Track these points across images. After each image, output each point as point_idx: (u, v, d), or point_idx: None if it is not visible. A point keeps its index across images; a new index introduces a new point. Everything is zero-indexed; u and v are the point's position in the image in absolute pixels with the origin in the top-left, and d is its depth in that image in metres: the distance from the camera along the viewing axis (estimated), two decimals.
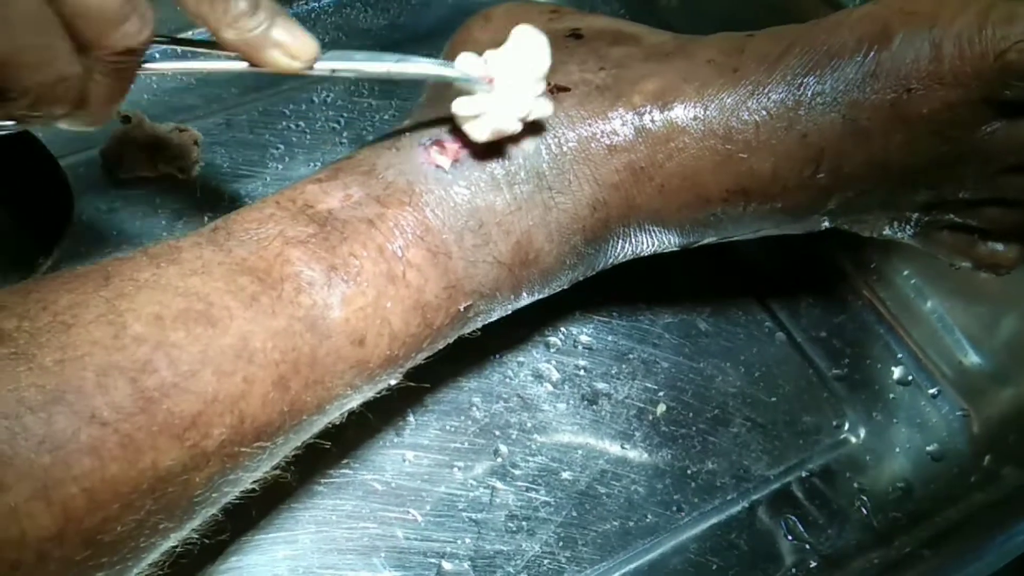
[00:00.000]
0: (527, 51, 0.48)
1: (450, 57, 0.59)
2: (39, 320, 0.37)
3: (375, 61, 0.47)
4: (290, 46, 0.44)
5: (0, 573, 0.34)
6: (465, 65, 0.48)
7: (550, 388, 0.60)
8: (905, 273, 0.66)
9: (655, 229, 0.53)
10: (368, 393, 0.47)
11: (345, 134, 0.67)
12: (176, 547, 0.42)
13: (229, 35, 0.43)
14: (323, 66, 0.46)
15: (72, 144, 0.62)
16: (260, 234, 0.44)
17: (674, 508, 0.56)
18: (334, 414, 0.46)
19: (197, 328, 0.39)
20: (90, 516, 0.35)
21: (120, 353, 0.37)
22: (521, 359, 0.61)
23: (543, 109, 0.48)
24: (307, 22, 0.72)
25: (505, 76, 0.48)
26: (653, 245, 0.55)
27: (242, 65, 0.45)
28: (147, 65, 0.43)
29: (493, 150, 0.49)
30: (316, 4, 0.73)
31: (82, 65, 0.40)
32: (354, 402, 0.47)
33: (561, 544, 0.54)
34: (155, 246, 0.43)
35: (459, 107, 0.47)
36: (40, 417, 0.35)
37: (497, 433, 0.58)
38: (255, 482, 0.44)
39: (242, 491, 0.44)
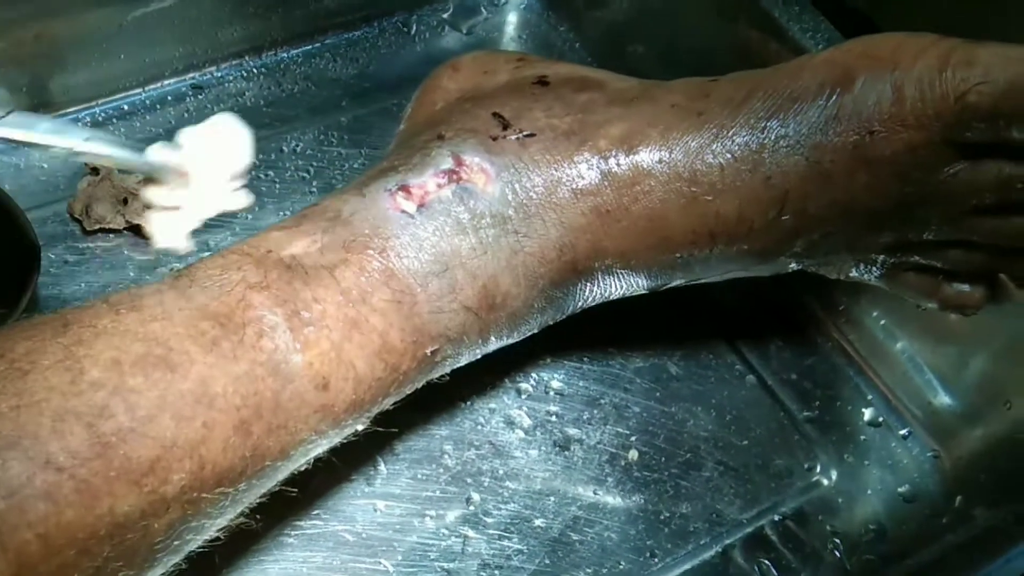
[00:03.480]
0: (226, 144, 0.45)
1: (418, 107, 0.60)
2: None
3: (62, 135, 0.44)
4: None
5: None
6: (158, 154, 0.45)
7: (522, 435, 0.59)
8: (874, 315, 0.66)
9: (622, 272, 0.53)
10: (335, 439, 0.47)
11: (315, 183, 0.67)
12: None
13: None
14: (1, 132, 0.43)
15: (39, 197, 0.61)
16: (223, 280, 0.44)
17: (647, 554, 0.56)
18: (299, 460, 0.46)
19: (156, 373, 0.39)
20: (45, 563, 0.35)
21: (77, 398, 0.37)
22: (492, 405, 0.60)
23: (239, 202, 0.45)
24: (275, 72, 0.72)
25: (200, 170, 0.45)
26: (621, 288, 0.55)
27: None
28: None
29: (459, 195, 0.49)
30: (285, 55, 0.73)
31: None
32: (320, 448, 0.46)
33: None
34: (116, 294, 0.42)
35: (153, 197, 0.43)
36: None
37: (469, 481, 0.57)
38: (220, 530, 0.44)
39: (206, 539, 0.43)
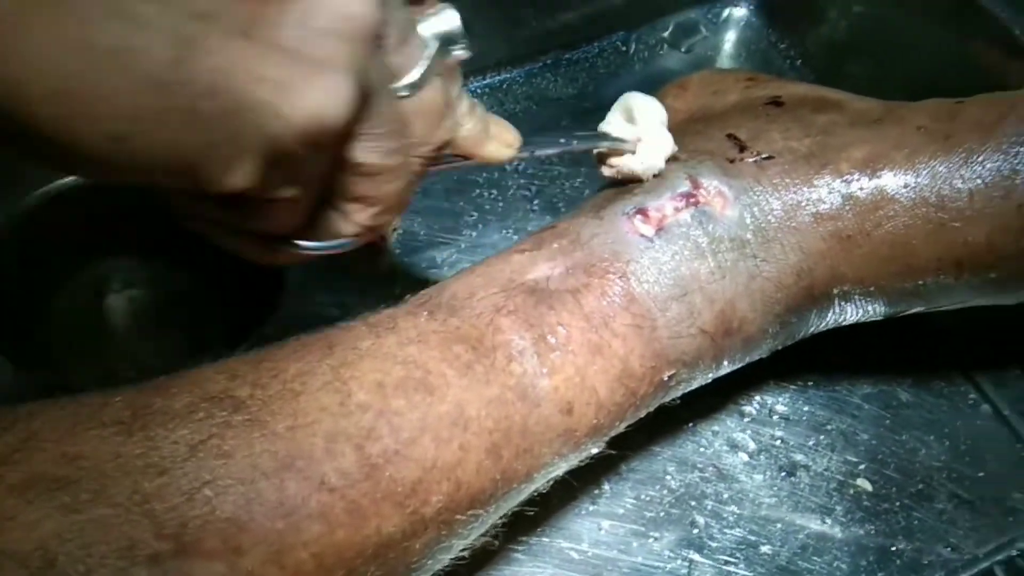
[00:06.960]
0: (646, 107, 0.53)
1: None
2: (270, 388, 0.38)
3: (554, 139, 0.53)
4: (503, 137, 0.49)
5: None
6: (618, 129, 0.53)
7: (746, 458, 0.59)
8: None
9: (860, 298, 0.52)
10: (573, 462, 0.47)
11: (536, 201, 0.68)
12: None
13: (460, 134, 0.47)
14: (523, 151, 0.50)
15: None
16: (471, 304, 0.45)
17: None
18: (540, 482, 0.46)
19: (416, 396, 0.40)
20: None
21: (346, 420, 0.38)
22: (715, 428, 0.60)
23: (672, 146, 0.52)
24: (499, 92, 0.74)
25: (643, 133, 0.52)
26: (857, 314, 0.54)
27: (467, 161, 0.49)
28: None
29: (697, 219, 0.49)
30: (508, 75, 0.75)
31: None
32: (559, 470, 0.47)
33: None
34: (373, 316, 0.44)
35: (624, 163, 0.52)
36: (273, 483, 0.36)
37: (693, 503, 0.57)
38: (464, 549, 0.45)
39: (451, 558, 0.44)
